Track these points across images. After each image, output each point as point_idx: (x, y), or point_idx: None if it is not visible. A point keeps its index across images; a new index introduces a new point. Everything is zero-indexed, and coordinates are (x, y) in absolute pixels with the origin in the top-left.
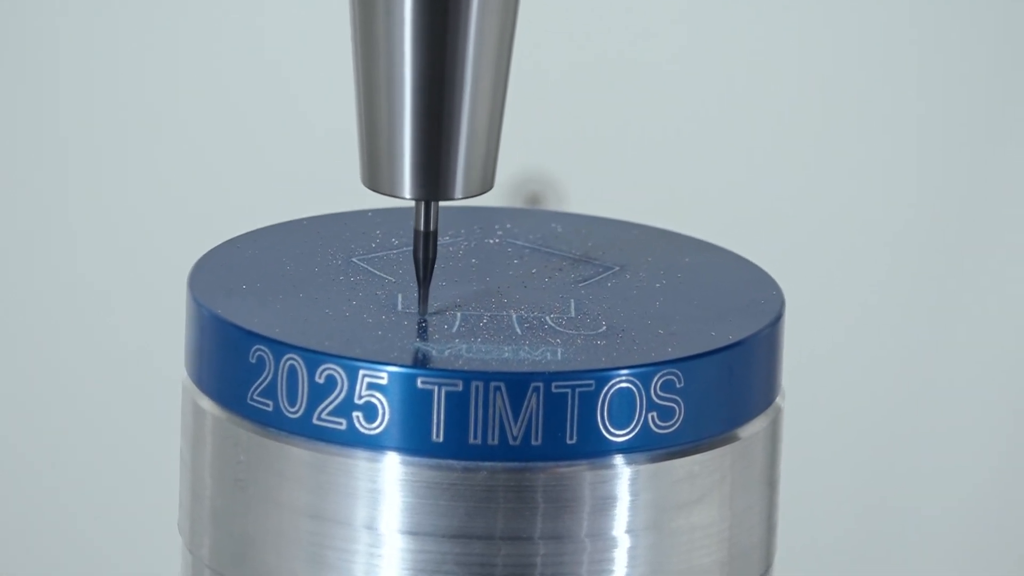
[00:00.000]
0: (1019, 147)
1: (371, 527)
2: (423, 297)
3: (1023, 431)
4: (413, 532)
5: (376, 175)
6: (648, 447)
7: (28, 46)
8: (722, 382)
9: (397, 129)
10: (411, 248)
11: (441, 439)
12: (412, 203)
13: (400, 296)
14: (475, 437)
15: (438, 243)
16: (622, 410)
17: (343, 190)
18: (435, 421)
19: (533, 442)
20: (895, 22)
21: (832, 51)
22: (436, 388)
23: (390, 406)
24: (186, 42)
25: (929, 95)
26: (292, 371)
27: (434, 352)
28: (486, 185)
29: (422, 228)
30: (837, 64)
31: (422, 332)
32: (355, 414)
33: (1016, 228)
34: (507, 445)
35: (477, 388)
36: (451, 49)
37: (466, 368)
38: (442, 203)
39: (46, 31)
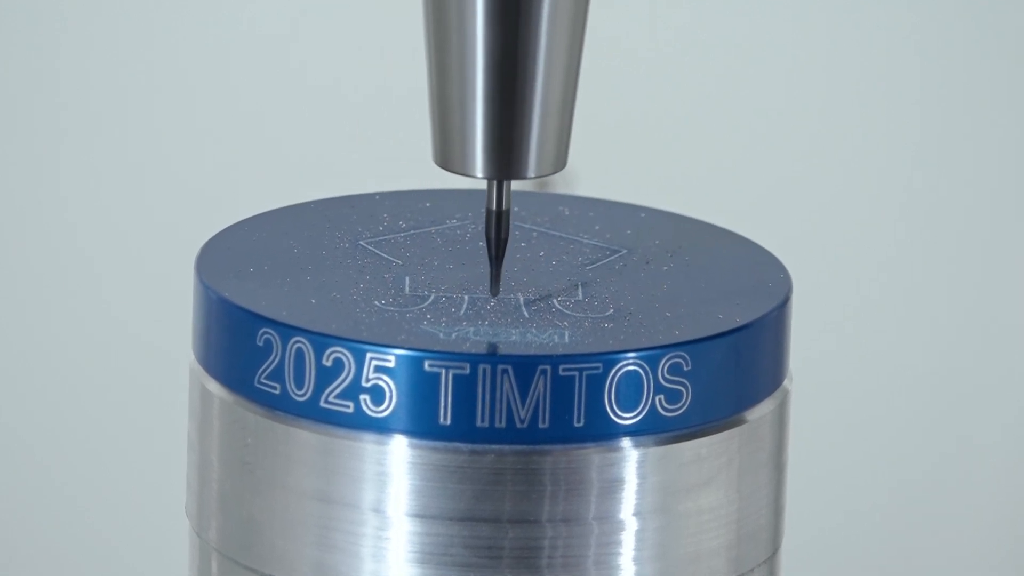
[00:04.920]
0: None
1: (378, 510)
2: (495, 277)
3: None
4: (420, 515)
5: (448, 154)
6: (656, 430)
7: (30, 30)
8: (730, 365)
9: (469, 108)
10: (419, 231)
11: (448, 422)
12: (424, 188)
13: (408, 279)
14: (482, 420)
15: (448, 223)
16: (629, 393)
17: (350, 173)
18: (442, 404)
19: (540, 425)
20: (898, 3)
21: (838, 33)
22: (443, 371)
23: (397, 389)
24: (192, 20)
25: (936, 77)
26: (299, 354)
27: (441, 335)
28: (559, 164)
29: (494, 207)
30: (844, 46)
31: (429, 315)
32: (362, 397)
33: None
34: (514, 428)
35: (484, 371)
36: (524, 25)
37: (473, 351)
38: (514, 184)
39: (49, 13)
